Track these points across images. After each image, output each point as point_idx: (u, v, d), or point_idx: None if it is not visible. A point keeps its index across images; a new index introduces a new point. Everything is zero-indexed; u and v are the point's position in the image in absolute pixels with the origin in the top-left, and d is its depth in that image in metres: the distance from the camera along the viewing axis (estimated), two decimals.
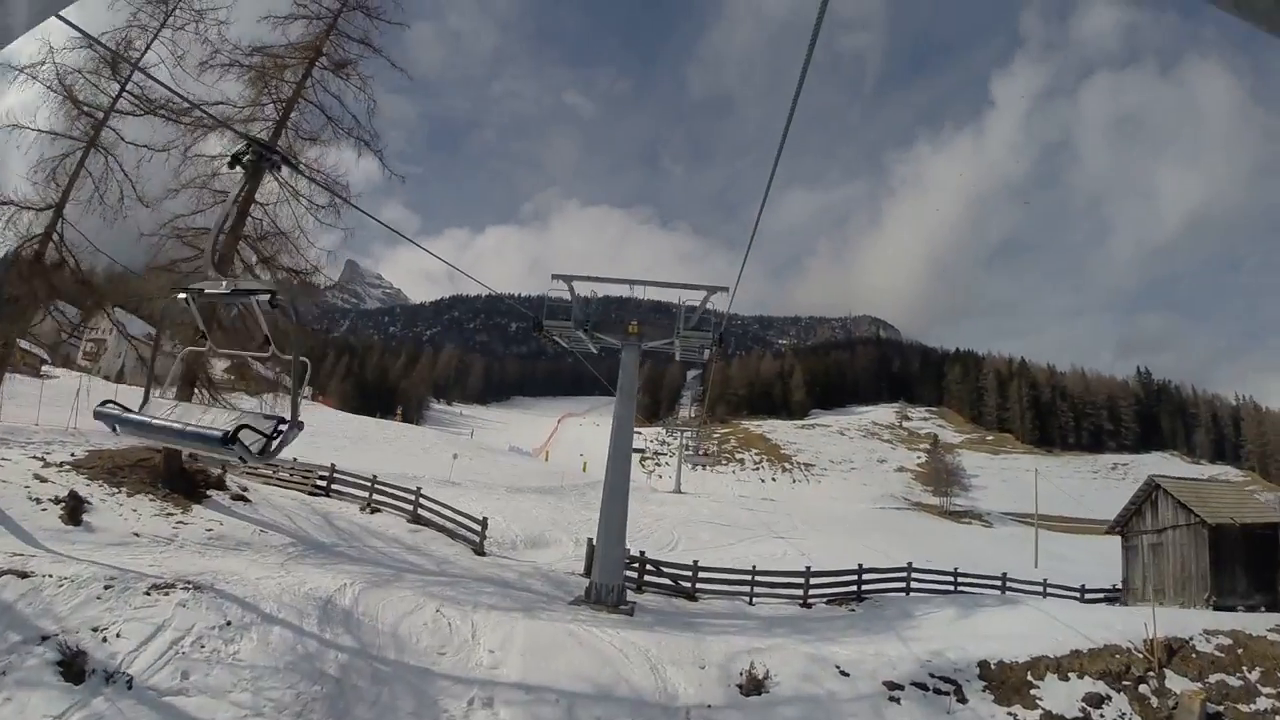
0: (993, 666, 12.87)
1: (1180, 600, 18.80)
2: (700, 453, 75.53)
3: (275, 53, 17.50)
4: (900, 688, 12.04)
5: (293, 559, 14.58)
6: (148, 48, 16.16)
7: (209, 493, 16.77)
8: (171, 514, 14.98)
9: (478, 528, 19.77)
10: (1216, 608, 18.45)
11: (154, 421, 4.99)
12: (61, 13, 2.69)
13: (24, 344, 32.91)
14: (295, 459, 25.96)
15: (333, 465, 22.49)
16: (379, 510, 20.51)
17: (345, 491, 21.32)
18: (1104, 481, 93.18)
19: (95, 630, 8.96)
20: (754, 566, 18.25)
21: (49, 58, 15.17)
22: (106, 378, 39.29)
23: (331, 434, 49.55)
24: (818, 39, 3.87)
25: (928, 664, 12.71)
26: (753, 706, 11.12)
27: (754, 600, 17.81)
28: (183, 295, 4.92)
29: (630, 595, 16.66)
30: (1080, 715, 12.37)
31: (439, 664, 11.29)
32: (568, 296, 17.09)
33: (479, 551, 19.49)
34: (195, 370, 16.62)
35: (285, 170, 18.63)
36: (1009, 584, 20.01)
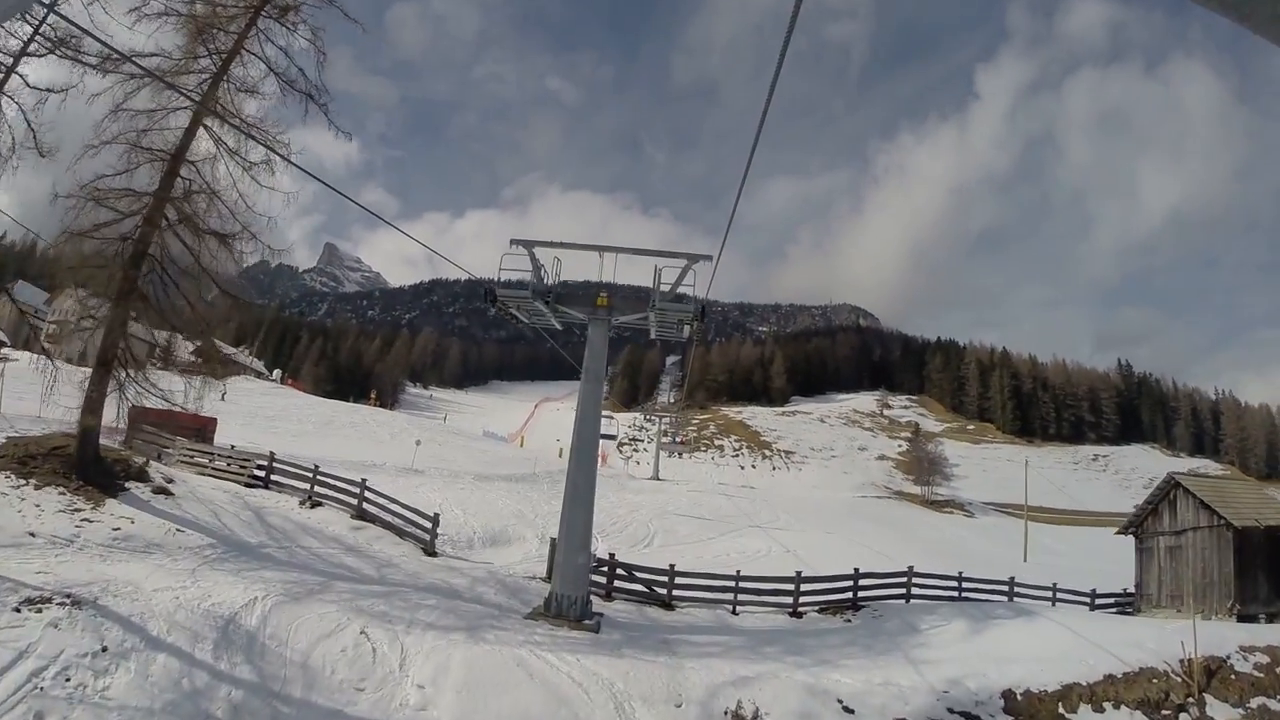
0: (1019, 697, 11.06)
1: (1200, 608, 17.20)
2: (677, 441, 73.67)
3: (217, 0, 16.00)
4: None
5: (207, 564, 12.75)
6: None
7: (128, 485, 15.00)
8: (79, 509, 13.25)
9: (429, 525, 17.55)
10: (1239, 617, 16.94)
11: None
12: None
13: None
14: (233, 446, 23.51)
15: (272, 453, 20.11)
16: (320, 504, 18.36)
17: (286, 483, 19.10)
18: (1085, 473, 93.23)
19: None
20: (738, 571, 16.24)
21: None
22: (69, 360, 36.22)
23: (296, 418, 47.08)
24: (795, 23, 3.82)
25: (945, 695, 10.85)
26: None
27: (738, 609, 15.85)
28: None
29: (597, 604, 14.61)
30: None
31: (355, 704, 9.36)
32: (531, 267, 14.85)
33: (429, 552, 17.30)
34: (110, 349, 14.72)
35: (216, 123, 16.55)
36: (1016, 589, 18.21)
